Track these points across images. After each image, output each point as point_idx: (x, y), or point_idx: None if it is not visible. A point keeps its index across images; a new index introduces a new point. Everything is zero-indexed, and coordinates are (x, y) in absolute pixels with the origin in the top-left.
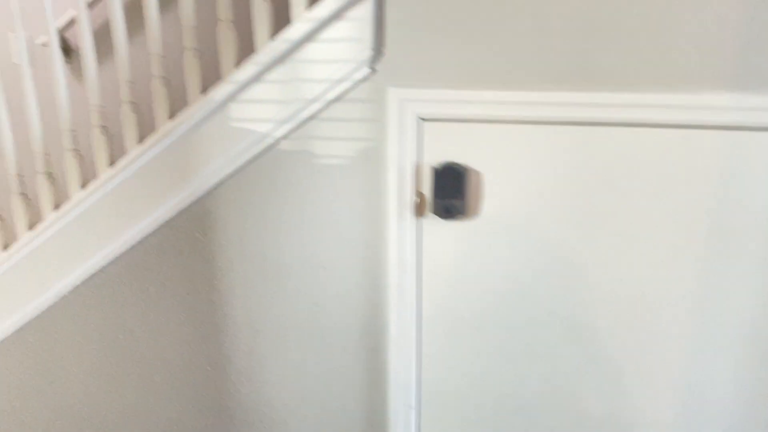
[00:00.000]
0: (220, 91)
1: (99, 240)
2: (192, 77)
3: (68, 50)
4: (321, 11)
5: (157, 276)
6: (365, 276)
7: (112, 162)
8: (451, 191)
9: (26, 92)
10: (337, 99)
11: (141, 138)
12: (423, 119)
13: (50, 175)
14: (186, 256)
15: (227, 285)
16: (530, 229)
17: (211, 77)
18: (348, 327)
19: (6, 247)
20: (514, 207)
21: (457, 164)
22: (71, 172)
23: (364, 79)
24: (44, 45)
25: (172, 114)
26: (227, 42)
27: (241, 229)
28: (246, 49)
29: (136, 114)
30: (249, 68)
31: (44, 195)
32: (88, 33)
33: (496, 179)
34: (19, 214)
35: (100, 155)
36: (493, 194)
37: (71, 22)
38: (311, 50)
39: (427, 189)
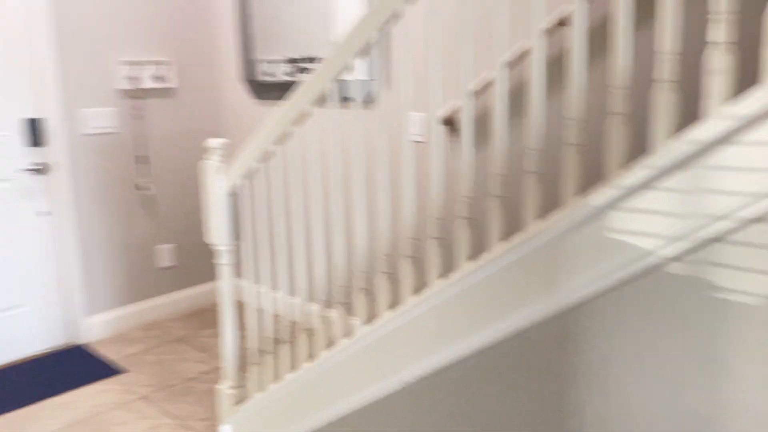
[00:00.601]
0: (600, 196)
1: (446, 336)
2: (570, 177)
3: (456, 129)
4: (748, 107)
5: (498, 388)
6: None
7: (472, 256)
8: None
9: (405, 183)
10: (758, 219)
11: (505, 235)
12: None
13: (415, 260)
14: (535, 373)
15: (579, 418)
16: None
17: (589, 177)
18: None
19: (369, 321)
20: None
21: None
22: (432, 259)
23: None
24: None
25: (542, 214)
26: (617, 140)
27: (604, 358)
28: (636, 147)
29: (503, 209)
30: (639, 172)
31: (406, 278)
32: (468, 124)
33: None
34: (382, 293)
35: (461, 247)
36: None
37: (456, 110)
38: (726, 154)
39: None
